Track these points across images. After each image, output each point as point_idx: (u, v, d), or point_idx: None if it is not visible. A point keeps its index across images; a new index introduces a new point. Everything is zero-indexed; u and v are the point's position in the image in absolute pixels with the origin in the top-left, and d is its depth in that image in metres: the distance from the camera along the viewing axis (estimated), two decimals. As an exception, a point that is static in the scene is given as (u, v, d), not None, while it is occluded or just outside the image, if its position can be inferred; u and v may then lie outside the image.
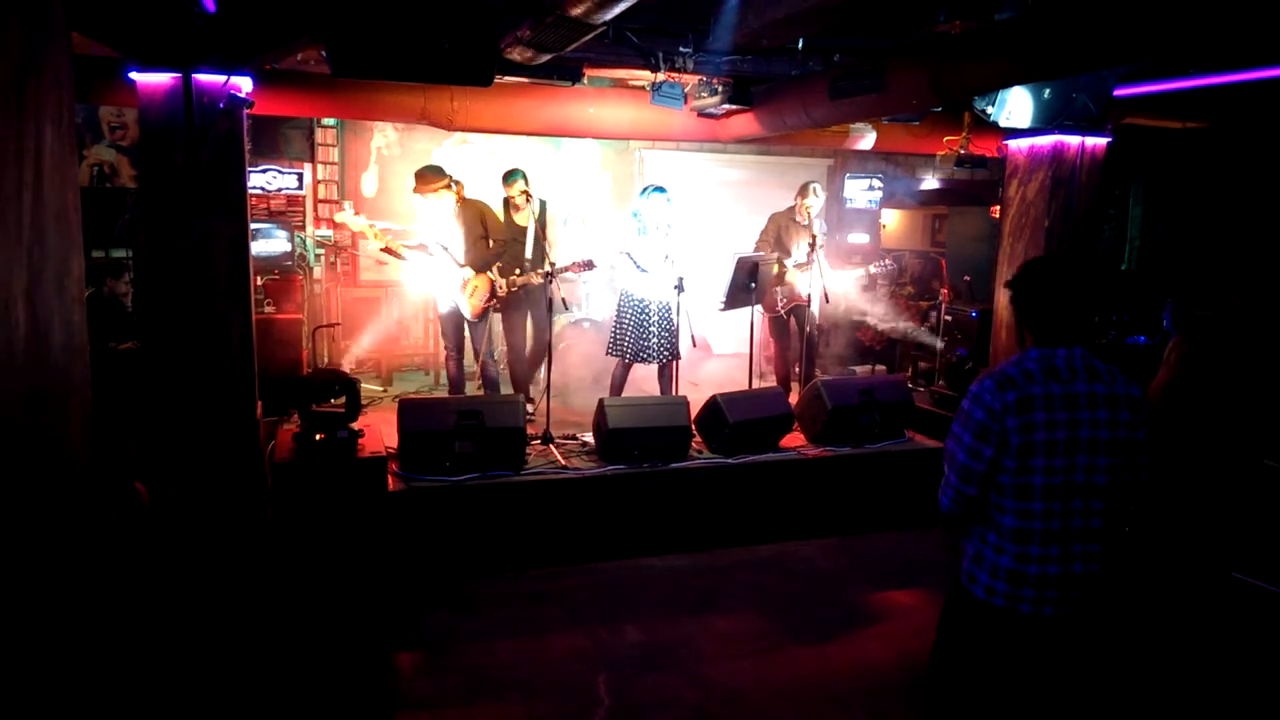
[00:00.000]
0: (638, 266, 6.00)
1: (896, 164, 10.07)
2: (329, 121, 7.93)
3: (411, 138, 8.17)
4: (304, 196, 8.00)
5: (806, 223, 6.73)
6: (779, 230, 6.80)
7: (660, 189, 6.05)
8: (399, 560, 4.62)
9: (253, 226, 5.32)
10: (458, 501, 4.75)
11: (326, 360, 7.47)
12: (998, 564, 2.36)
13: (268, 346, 5.86)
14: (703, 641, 4.14)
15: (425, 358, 8.24)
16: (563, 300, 6.15)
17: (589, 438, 5.54)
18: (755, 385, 6.41)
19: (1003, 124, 5.40)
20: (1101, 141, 5.72)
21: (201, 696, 3.52)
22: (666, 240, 6.03)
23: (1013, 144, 5.93)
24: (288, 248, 7.22)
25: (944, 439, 2.45)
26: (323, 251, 8.07)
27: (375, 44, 3.79)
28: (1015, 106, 5.34)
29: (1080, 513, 2.32)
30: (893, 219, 10.13)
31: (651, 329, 6.02)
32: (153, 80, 4.55)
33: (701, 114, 6.21)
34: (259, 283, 6.46)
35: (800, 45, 5.32)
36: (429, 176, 5.97)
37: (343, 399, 4.82)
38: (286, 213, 7.88)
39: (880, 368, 8.85)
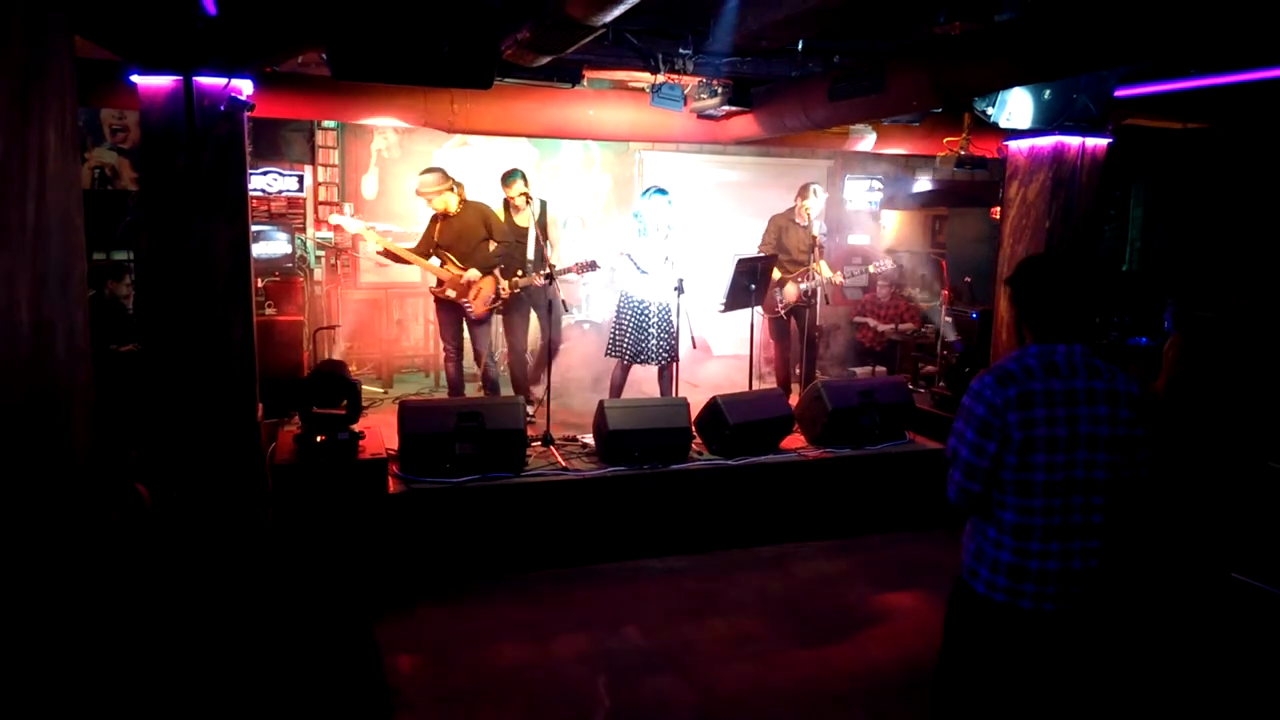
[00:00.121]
0: (638, 268, 6.00)
1: (897, 165, 10.07)
2: (329, 124, 7.93)
3: (412, 140, 8.18)
4: (304, 199, 8.01)
5: (806, 224, 6.74)
6: (779, 232, 6.81)
7: (662, 190, 6.05)
8: (399, 562, 4.62)
9: (253, 229, 5.33)
10: (458, 503, 4.75)
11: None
12: (998, 559, 2.38)
13: (268, 348, 5.86)
14: (703, 643, 4.14)
15: (425, 359, 8.25)
16: (563, 301, 6.15)
17: (589, 439, 5.54)
18: (755, 387, 6.42)
19: (1003, 125, 5.41)
20: (1102, 142, 5.72)
21: (202, 697, 3.52)
22: (667, 242, 6.03)
23: (1013, 145, 5.93)
24: (288, 250, 7.23)
25: (944, 440, 2.46)
26: (323, 253, 8.07)
27: (376, 46, 3.79)
28: (1015, 107, 5.34)
29: (1080, 509, 2.33)
30: (893, 220, 10.14)
31: (651, 330, 6.03)
32: (154, 83, 4.56)
33: (701, 115, 6.21)
34: (260, 285, 6.47)
35: (800, 46, 5.32)
36: (432, 179, 5.98)
37: (344, 401, 4.82)
38: (287, 215, 7.88)
39: (880, 369, 8.85)
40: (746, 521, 5.32)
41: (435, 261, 6.09)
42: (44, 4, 1.78)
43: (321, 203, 8.10)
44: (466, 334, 6.33)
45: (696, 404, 5.53)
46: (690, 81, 5.85)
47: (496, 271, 6.13)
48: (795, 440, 5.79)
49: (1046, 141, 5.66)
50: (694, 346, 6.14)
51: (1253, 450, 3.76)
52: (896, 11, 4.67)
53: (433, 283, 6.26)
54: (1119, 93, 5.74)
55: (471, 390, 6.79)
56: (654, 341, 6.03)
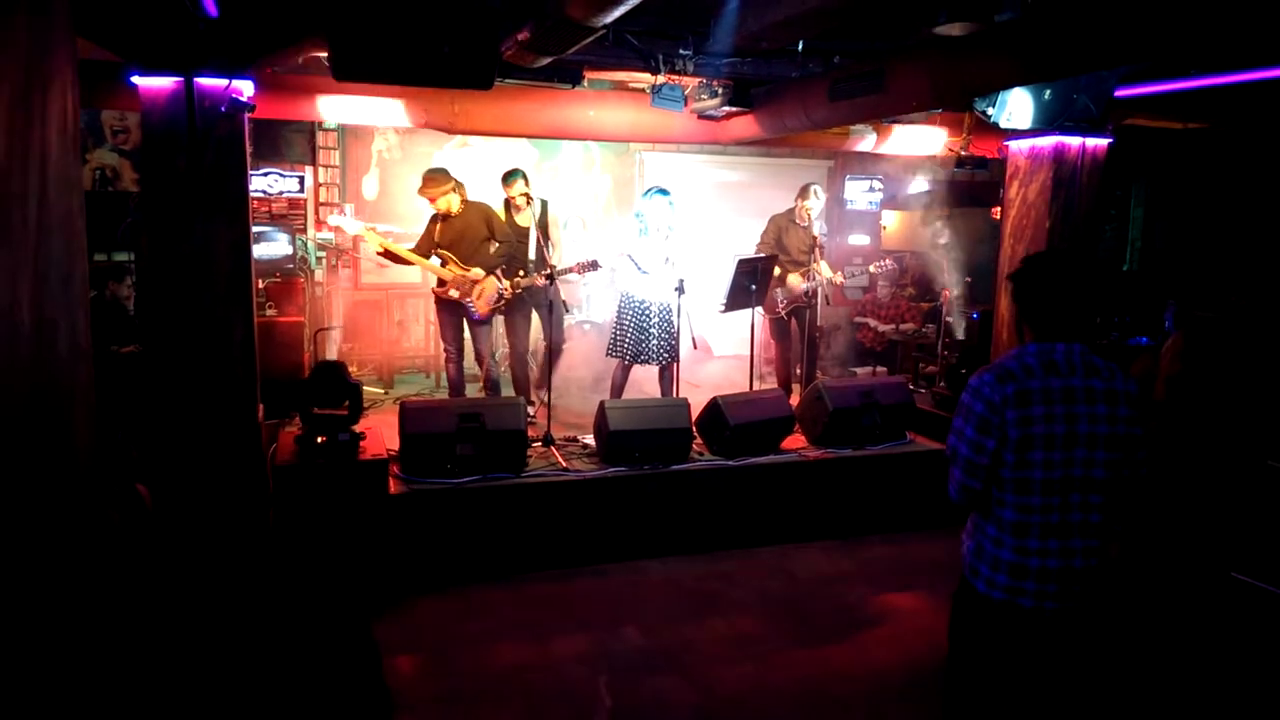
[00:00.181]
0: (638, 268, 6.01)
1: (898, 165, 10.07)
2: (330, 125, 7.94)
3: (412, 141, 8.19)
4: (305, 199, 8.01)
5: (807, 224, 6.74)
6: (779, 232, 6.81)
7: (664, 191, 6.06)
8: (400, 562, 4.62)
9: (254, 229, 5.33)
10: (459, 504, 4.75)
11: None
12: (998, 557, 2.38)
13: (269, 349, 5.86)
14: (704, 644, 4.14)
15: (426, 360, 8.25)
16: (563, 303, 6.16)
17: (590, 440, 5.54)
18: (756, 387, 6.42)
19: (1003, 125, 5.41)
20: (1102, 142, 5.72)
21: (203, 698, 3.52)
22: (667, 243, 6.03)
23: (1013, 145, 5.94)
24: (289, 250, 7.23)
25: (945, 440, 2.46)
26: (324, 254, 8.08)
27: (377, 48, 3.80)
28: (1016, 108, 5.34)
29: (1079, 506, 2.34)
30: (893, 220, 10.14)
31: (652, 330, 6.03)
32: (155, 84, 4.56)
33: (702, 116, 6.21)
34: (260, 286, 6.47)
35: (800, 47, 5.33)
36: (436, 179, 5.98)
37: (345, 402, 4.83)
38: (288, 216, 7.89)
39: (881, 369, 8.86)
40: (747, 522, 5.32)
41: (436, 262, 6.09)
42: (46, 5, 1.78)
43: (322, 204, 8.10)
44: (467, 335, 6.33)
45: (697, 404, 5.53)
46: (690, 82, 5.85)
47: (498, 272, 6.13)
48: (796, 441, 5.79)
49: (1047, 142, 5.66)
50: (694, 347, 6.14)
51: (1253, 450, 3.76)
52: (897, 12, 4.67)
53: (433, 283, 6.27)
54: (1119, 93, 5.74)
55: (472, 391, 6.79)
56: (655, 342, 6.04)
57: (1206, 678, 3.62)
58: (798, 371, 7.07)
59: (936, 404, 6.57)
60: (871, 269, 7.41)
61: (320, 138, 8.02)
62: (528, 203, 6.21)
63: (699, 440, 5.52)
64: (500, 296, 6.14)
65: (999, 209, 6.53)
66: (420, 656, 4.00)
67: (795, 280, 6.74)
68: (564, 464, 5.21)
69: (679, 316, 6.00)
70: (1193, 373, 3.53)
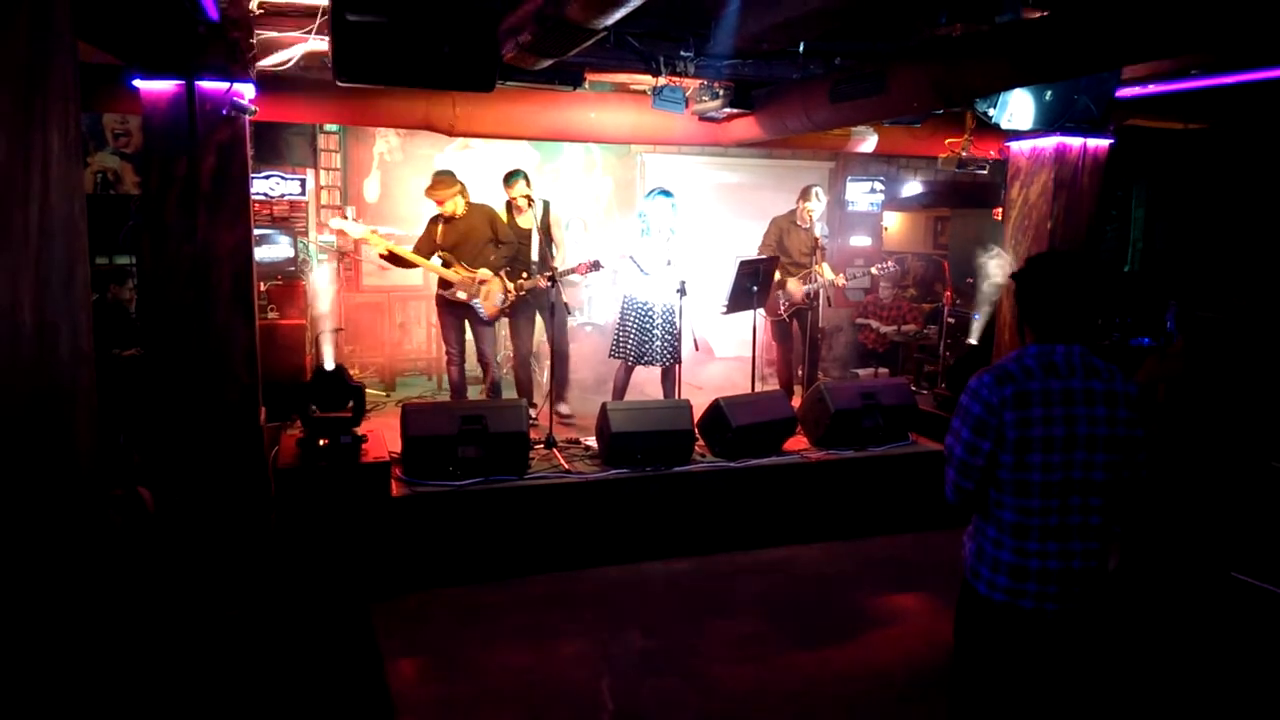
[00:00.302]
0: (640, 269, 6.01)
1: (899, 166, 10.08)
2: (331, 127, 7.94)
3: (413, 143, 8.19)
4: (307, 202, 8.01)
5: (808, 226, 6.74)
6: (780, 234, 6.81)
7: (667, 193, 6.05)
8: (402, 564, 4.62)
9: (256, 232, 5.34)
10: (461, 506, 4.75)
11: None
12: (998, 559, 2.38)
13: (271, 352, 5.87)
14: (706, 646, 4.13)
15: (428, 362, 8.25)
16: (565, 304, 6.15)
17: (592, 442, 5.54)
18: (758, 389, 6.42)
19: (1004, 126, 5.41)
20: (1104, 143, 5.72)
21: (205, 701, 3.52)
22: (668, 245, 6.03)
23: (1015, 146, 5.94)
24: (291, 253, 7.24)
25: (946, 438, 2.47)
26: (325, 257, 8.08)
27: (377, 49, 3.80)
28: (1017, 108, 5.34)
29: (1079, 509, 2.33)
30: (894, 221, 10.13)
31: (655, 332, 6.03)
32: (156, 87, 4.57)
33: (703, 118, 6.21)
34: (262, 288, 6.47)
35: (801, 49, 5.32)
36: (446, 181, 5.98)
37: (349, 403, 4.82)
38: (289, 218, 7.89)
39: (883, 370, 8.85)
40: (749, 523, 5.31)
41: (440, 263, 6.09)
42: (48, 8, 1.79)
43: (324, 206, 8.11)
44: (468, 337, 6.33)
45: (699, 406, 5.52)
46: (692, 84, 5.85)
47: (502, 274, 6.14)
48: (798, 442, 5.79)
49: (1048, 142, 5.66)
50: (696, 348, 6.14)
51: (1254, 450, 3.75)
52: (898, 13, 4.67)
53: (435, 285, 6.26)
54: (1120, 93, 5.74)
55: (474, 393, 6.79)
56: (658, 343, 6.03)
57: (1207, 678, 3.62)
58: (799, 373, 7.07)
59: (938, 405, 6.56)
60: (873, 270, 7.41)
61: (321, 140, 8.03)
62: (529, 204, 6.21)
63: (701, 442, 5.51)
64: (505, 298, 6.14)
65: (1000, 210, 6.53)
66: (422, 659, 4.00)
67: (796, 282, 6.74)
68: (566, 466, 5.21)
69: (680, 318, 6.00)
70: (1193, 374, 3.53)
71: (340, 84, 4.56)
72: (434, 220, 6.14)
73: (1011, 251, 5.92)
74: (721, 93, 5.76)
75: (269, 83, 5.25)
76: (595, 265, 6.25)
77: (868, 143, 7.15)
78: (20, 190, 1.69)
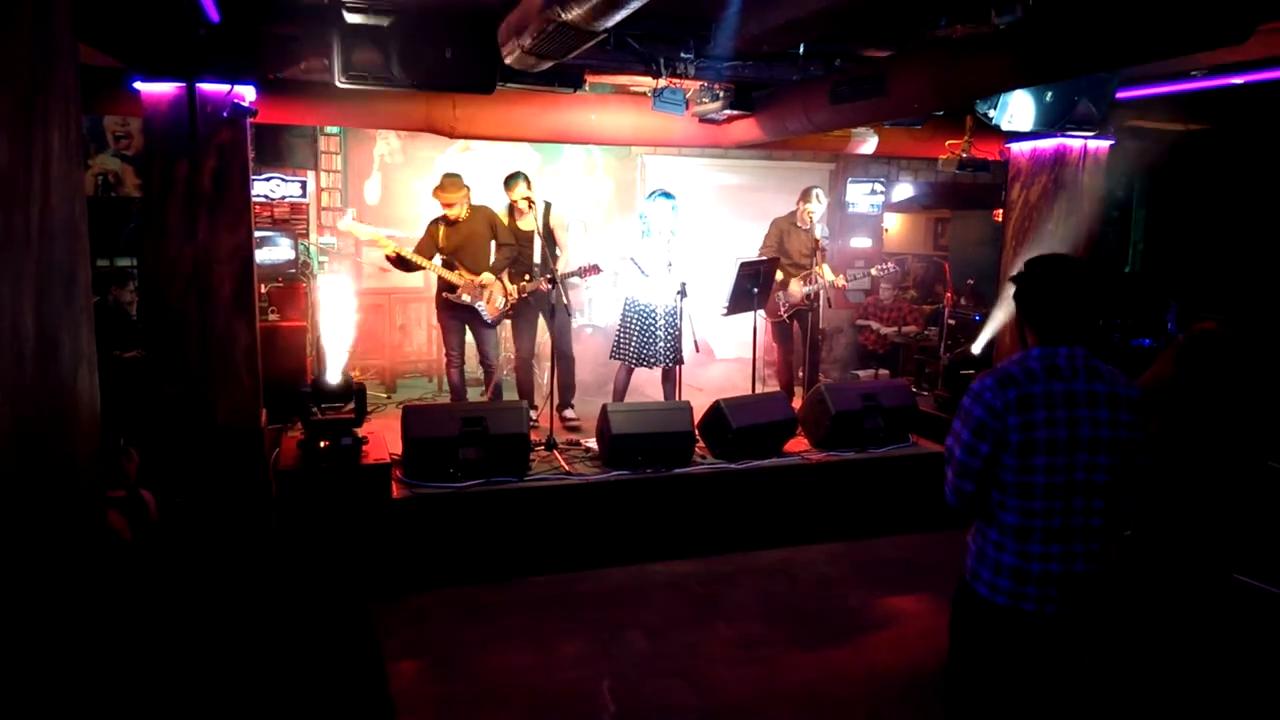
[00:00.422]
0: (641, 270, 6.01)
1: (899, 168, 10.08)
2: (332, 129, 7.95)
3: (414, 145, 8.20)
4: (307, 204, 8.02)
5: (808, 227, 6.73)
6: (781, 235, 6.81)
7: (668, 194, 6.05)
8: (403, 566, 4.62)
9: (257, 234, 5.35)
10: (462, 508, 4.75)
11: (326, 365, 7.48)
12: (1000, 561, 2.38)
13: (272, 354, 5.87)
14: (707, 647, 4.13)
15: (428, 364, 8.26)
16: (565, 306, 6.15)
17: (592, 443, 5.54)
18: (758, 390, 6.42)
19: (1005, 127, 5.41)
20: (1104, 144, 5.73)
21: (207, 703, 3.52)
22: (669, 246, 6.03)
23: (1015, 147, 5.94)
24: (291, 255, 7.24)
25: (946, 440, 2.47)
26: (326, 259, 8.09)
27: (378, 52, 3.81)
28: (1017, 110, 5.34)
29: (1081, 511, 2.34)
30: (895, 223, 10.13)
31: (658, 333, 6.03)
32: (157, 90, 4.58)
33: (703, 119, 6.22)
34: (263, 290, 6.48)
35: (801, 50, 5.33)
36: (456, 183, 5.98)
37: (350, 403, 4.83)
38: (290, 220, 7.90)
39: (884, 372, 8.85)
40: (750, 525, 5.31)
41: (441, 264, 6.09)
42: (49, 10, 1.79)
43: (324, 208, 8.12)
44: (469, 339, 6.33)
45: (699, 407, 5.52)
46: (692, 85, 5.85)
47: (504, 276, 6.14)
48: (799, 444, 5.79)
49: (1048, 144, 5.67)
50: (696, 350, 6.14)
51: (1256, 451, 3.75)
52: (898, 15, 4.67)
53: (435, 287, 6.26)
54: (1121, 94, 5.75)
55: (474, 395, 6.79)
56: (661, 344, 6.03)
57: (1209, 679, 3.61)
58: (800, 374, 7.07)
59: (939, 406, 6.56)
60: (873, 272, 7.41)
61: (322, 142, 8.04)
62: (529, 206, 6.20)
63: (701, 443, 5.51)
64: (506, 301, 6.14)
65: (1001, 211, 6.53)
66: (423, 660, 4.00)
67: (798, 282, 6.74)
68: (567, 468, 5.21)
69: (681, 320, 6.00)
70: (1185, 377, 3.52)
71: (341, 86, 4.58)
72: (435, 222, 6.14)
73: (1012, 253, 5.92)
74: (722, 94, 5.76)
75: (270, 85, 5.26)
76: (594, 269, 6.24)
77: (868, 144, 7.16)
78: (21, 192, 1.69)
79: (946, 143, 6.72)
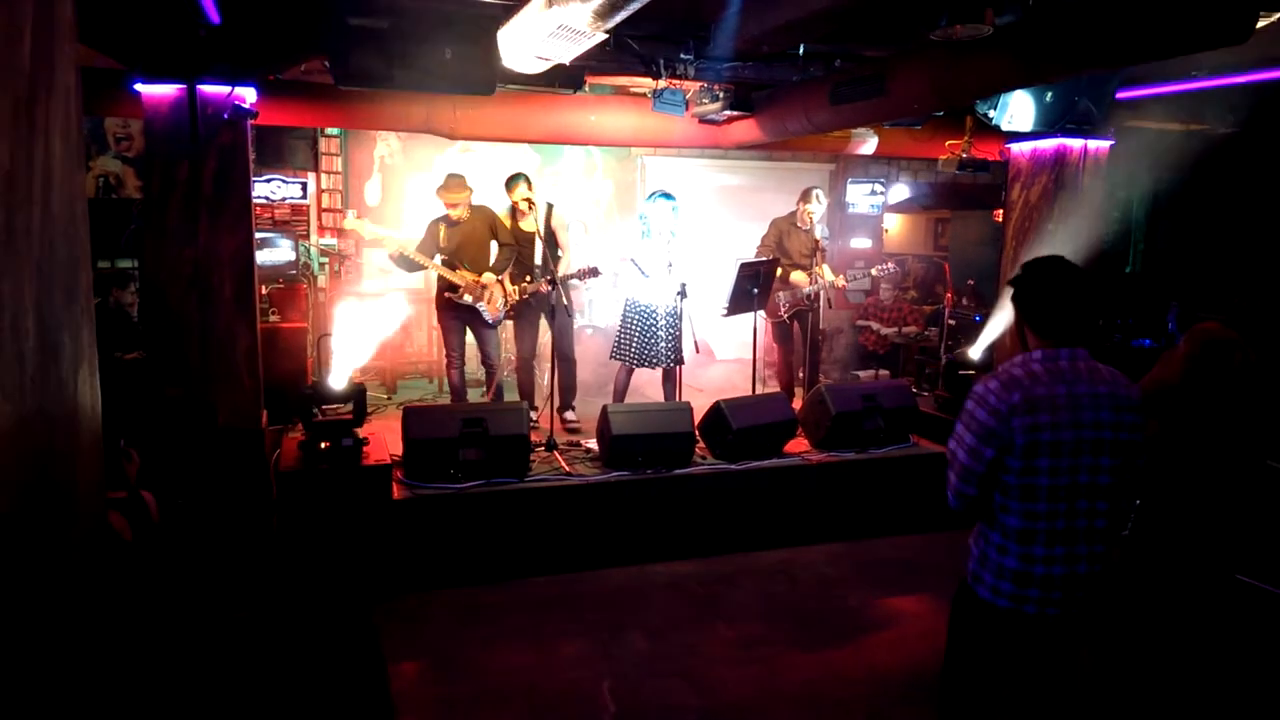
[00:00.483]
0: (641, 271, 6.01)
1: (899, 168, 10.08)
2: (333, 131, 7.96)
3: (414, 146, 8.20)
4: (308, 206, 8.03)
5: (808, 228, 6.74)
6: (780, 235, 6.81)
7: (668, 195, 6.05)
8: (404, 567, 4.63)
9: (257, 236, 5.35)
10: (462, 509, 4.75)
11: (331, 369, 7.48)
12: (1002, 564, 2.38)
13: (273, 355, 5.88)
14: (708, 648, 4.14)
15: (429, 365, 8.26)
16: (565, 308, 6.15)
17: (593, 444, 5.54)
18: (758, 391, 6.42)
19: (1005, 128, 5.41)
20: (1104, 144, 5.73)
21: (207, 704, 3.52)
22: (669, 247, 6.03)
23: (1015, 148, 5.94)
24: (292, 257, 7.25)
25: (948, 444, 2.46)
26: (327, 260, 8.10)
27: (378, 54, 3.81)
28: (1017, 110, 5.35)
29: (1085, 513, 2.33)
30: (895, 223, 10.14)
31: (660, 334, 6.03)
32: (157, 92, 4.58)
33: (703, 120, 6.22)
34: (264, 292, 6.48)
35: (801, 51, 5.33)
36: (460, 183, 5.98)
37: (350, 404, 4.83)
38: (291, 222, 7.91)
39: (884, 372, 8.85)
40: (750, 526, 5.31)
41: (439, 262, 6.09)
42: (51, 12, 1.79)
43: (325, 210, 8.12)
44: (469, 340, 6.33)
45: (699, 408, 5.52)
46: (692, 86, 5.86)
47: (505, 277, 6.15)
48: (799, 444, 5.79)
49: (1049, 144, 5.67)
50: (696, 351, 6.14)
51: (1255, 451, 3.75)
52: (898, 15, 4.68)
53: (435, 289, 6.26)
54: (1121, 94, 5.75)
55: (475, 396, 6.79)
56: (663, 345, 6.04)
57: (1212, 680, 3.61)
58: (800, 375, 7.07)
59: (939, 407, 6.56)
60: (874, 272, 7.41)
61: (323, 144, 8.04)
62: (530, 207, 6.19)
63: (702, 444, 5.51)
64: (506, 301, 6.15)
65: (1001, 211, 6.53)
66: (424, 661, 4.00)
67: (798, 281, 6.74)
68: (567, 468, 5.21)
69: (682, 320, 6.00)
70: (1193, 380, 3.52)
71: (342, 87, 4.59)
72: (436, 222, 6.14)
73: (1012, 253, 5.92)
74: (721, 95, 5.77)
75: (270, 86, 5.27)
76: (592, 272, 6.23)
77: (868, 145, 7.16)
78: (23, 194, 1.69)
79: (946, 143, 6.73)
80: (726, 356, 8.41)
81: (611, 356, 6.25)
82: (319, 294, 7.86)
